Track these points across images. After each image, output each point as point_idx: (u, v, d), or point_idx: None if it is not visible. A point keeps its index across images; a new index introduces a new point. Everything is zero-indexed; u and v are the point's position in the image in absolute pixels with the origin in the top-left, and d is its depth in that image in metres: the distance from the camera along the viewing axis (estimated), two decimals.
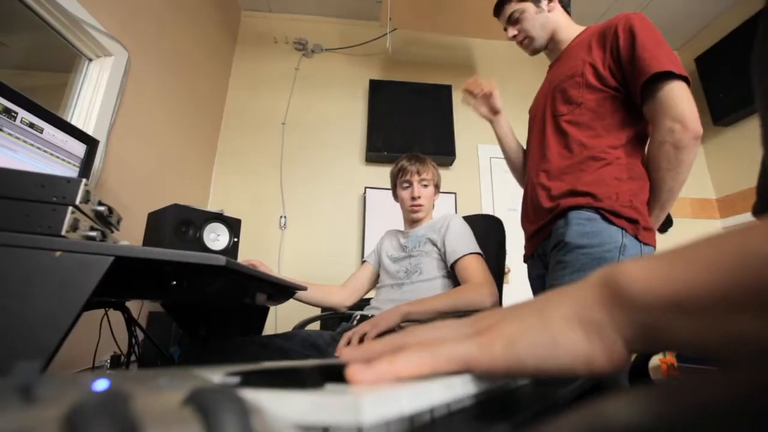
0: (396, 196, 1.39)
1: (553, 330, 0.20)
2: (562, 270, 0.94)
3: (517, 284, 2.54)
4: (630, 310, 0.19)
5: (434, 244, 1.21)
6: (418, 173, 1.30)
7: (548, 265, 1.04)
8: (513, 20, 1.15)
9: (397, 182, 1.35)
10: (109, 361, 1.54)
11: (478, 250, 1.17)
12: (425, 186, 1.31)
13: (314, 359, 0.26)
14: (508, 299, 2.52)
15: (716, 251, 0.17)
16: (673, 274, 0.18)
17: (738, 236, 0.17)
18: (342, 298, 1.36)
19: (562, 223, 0.98)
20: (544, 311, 0.21)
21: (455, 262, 1.14)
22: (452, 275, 1.18)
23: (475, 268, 1.11)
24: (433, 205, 1.38)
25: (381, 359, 0.20)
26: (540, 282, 1.13)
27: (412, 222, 1.35)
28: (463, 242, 1.17)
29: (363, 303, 1.32)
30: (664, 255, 0.19)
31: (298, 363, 0.24)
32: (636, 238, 0.91)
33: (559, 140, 1.04)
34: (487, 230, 1.30)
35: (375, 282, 1.40)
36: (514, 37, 1.17)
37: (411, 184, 1.30)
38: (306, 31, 2.97)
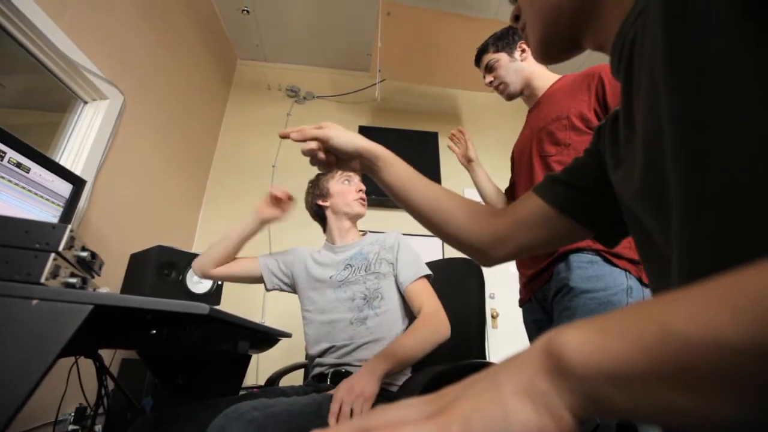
0: (323, 196, 1.24)
1: (503, 404, 0.20)
2: (570, 318, 0.92)
3: (507, 328, 2.50)
4: (571, 379, 0.19)
5: (390, 264, 1.12)
6: (357, 175, 1.25)
7: (548, 311, 1.02)
8: (489, 68, 1.26)
9: (332, 181, 1.24)
10: (73, 414, 1.44)
11: (429, 270, 1.10)
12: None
13: None
14: (496, 344, 2.47)
15: (642, 325, 0.18)
16: (606, 345, 0.18)
17: (661, 310, 0.18)
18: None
19: (564, 267, 0.96)
20: (497, 385, 0.21)
21: (408, 285, 1.07)
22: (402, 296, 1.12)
23: (428, 295, 1.05)
24: None
25: None
26: (536, 327, 1.11)
27: (352, 221, 1.23)
28: (416, 263, 1.10)
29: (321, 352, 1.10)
30: (601, 322, 0.20)
31: None
32: (639, 280, 0.90)
33: None
34: (468, 273, 1.29)
35: (244, 280, 1.22)
36: (491, 83, 1.27)
37: (351, 179, 1.24)
38: (299, 79, 3.10)
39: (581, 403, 0.19)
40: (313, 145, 0.61)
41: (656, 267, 0.38)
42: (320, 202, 1.24)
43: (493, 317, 2.53)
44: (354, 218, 1.23)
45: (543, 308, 1.06)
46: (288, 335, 1.17)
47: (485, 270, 1.18)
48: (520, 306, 1.18)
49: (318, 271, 1.15)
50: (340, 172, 1.24)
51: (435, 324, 0.97)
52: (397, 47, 2.56)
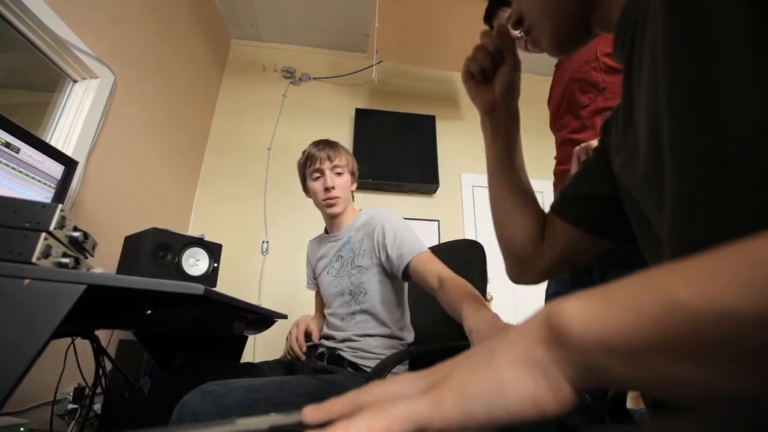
0: (306, 191, 1.21)
1: (499, 375, 0.20)
2: None
3: (500, 311, 2.54)
4: (570, 350, 0.19)
5: (372, 255, 1.06)
6: (329, 159, 1.12)
7: (588, 284, 0.90)
8: (520, 21, 1.11)
9: (306, 173, 1.17)
10: (72, 394, 1.45)
11: (426, 247, 1.01)
12: (339, 174, 1.13)
13: (275, 414, 0.25)
14: None
15: (645, 295, 0.17)
16: (607, 316, 0.18)
17: (665, 280, 0.17)
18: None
19: None
20: (493, 356, 0.21)
21: (407, 265, 0.97)
22: (395, 284, 1.07)
23: (436, 262, 0.95)
24: (353, 197, 1.21)
25: (336, 425, 0.20)
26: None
27: (332, 218, 1.17)
28: (409, 241, 1.01)
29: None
30: (603, 293, 0.19)
31: (253, 422, 0.24)
32: None
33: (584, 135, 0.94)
34: (468, 257, 1.28)
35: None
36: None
37: (322, 173, 1.12)
38: (294, 60, 3.04)
39: (580, 374, 0.19)
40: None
41: (654, 254, 0.38)
42: (307, 195, 1.23)
43: (488, 300, 2.57)
44: (330, 217, 1.17)
45: (581, 280, 0.92)
46: (284, 316, 1.18)
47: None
48: None
49: (321, 264, 1.18)
50: (310, 161, 1.14)
51: (464, 282, 0.88)
52: (395, 28, 2.50)
